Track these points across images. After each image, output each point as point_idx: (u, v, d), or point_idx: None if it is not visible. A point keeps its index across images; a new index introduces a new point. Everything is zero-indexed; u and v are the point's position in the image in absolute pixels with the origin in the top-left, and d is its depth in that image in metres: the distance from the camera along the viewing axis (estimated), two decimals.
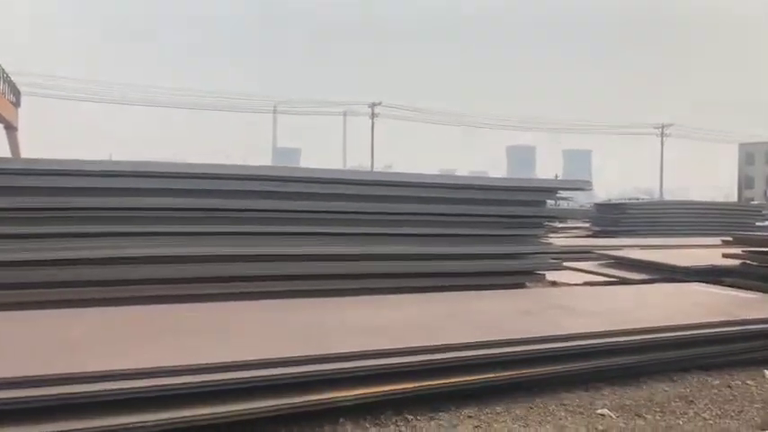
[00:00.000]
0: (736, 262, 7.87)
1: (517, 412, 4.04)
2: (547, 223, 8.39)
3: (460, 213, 7.75)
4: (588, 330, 4.75)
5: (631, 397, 4.40)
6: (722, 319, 5.24)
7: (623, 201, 29.59)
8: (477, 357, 4.20)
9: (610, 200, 52.56)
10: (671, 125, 56.88)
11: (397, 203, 7.33)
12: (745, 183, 78.41)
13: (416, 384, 3.97)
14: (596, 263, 10.70)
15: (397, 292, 7.01)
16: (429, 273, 7.56)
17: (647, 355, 4.86)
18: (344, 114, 59.59)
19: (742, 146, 79.69)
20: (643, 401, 4.31)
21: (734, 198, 72.82)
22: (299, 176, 6.90)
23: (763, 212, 37.30)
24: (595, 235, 22.21)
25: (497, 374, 4.21)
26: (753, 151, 78.80)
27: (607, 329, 4.78)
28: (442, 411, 3.97)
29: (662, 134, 56.34)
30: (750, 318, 5.37)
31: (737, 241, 8.01)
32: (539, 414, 4.02)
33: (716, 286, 7.31)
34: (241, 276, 6.73)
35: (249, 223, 6.84)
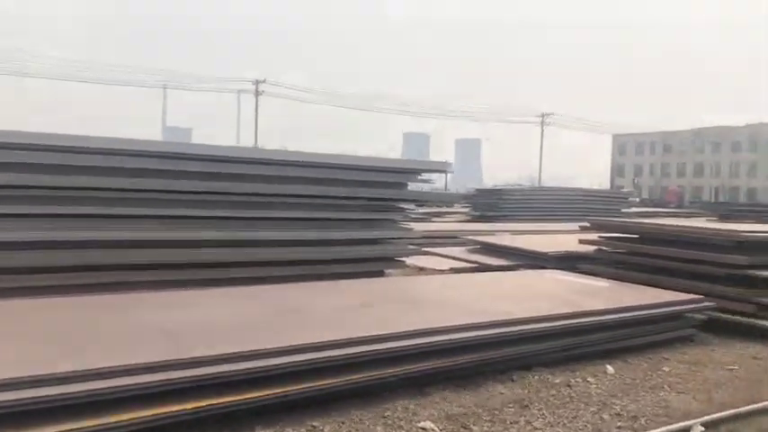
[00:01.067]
0: (592, 248, 7.76)
1: (325, 430, 3.41)
2: (404, 206, 7.87)
3: (313, 195, 7.04)
4: (422, 327, 4.20)
5: (463, 403, 3.91)
6: (563, 312, 4.90)
7: (501, 186, 30.25)
8: (281, 366, 3.51)
9: (496, 185, 54.34)
10: (551, 114, 59.63)
11: (233, 182, 6.48)
12: (617, 171, 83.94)
13: (200, 404, 3.23)
14: (465, 248, 10.44)
15: (237, 284, 6.23)
16: (276, 261, 6.80)
17: (486, 354, 4.42)
18: (239, 92, 56.53)
19: (615, 137, 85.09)
20: (474, 408, 3.83)
21: (608, 185, 77.76)
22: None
23: (630, 199, 39.98)
24: (474, 220, 22.50)
25: (305, 386, 3.55)
26: (625, 142, 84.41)
27: (441, 326, 4.26)
28: None
29: (542, 123, 58.95)
30: (592, 309, 5.09)
31: (594, 227, 7.91)
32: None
33: (571, 273, 7.13)
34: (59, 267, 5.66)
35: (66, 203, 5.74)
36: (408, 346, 4.05)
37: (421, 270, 9.83)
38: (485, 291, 5.99)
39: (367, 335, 3.93)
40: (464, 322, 4.41)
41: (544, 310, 4.98)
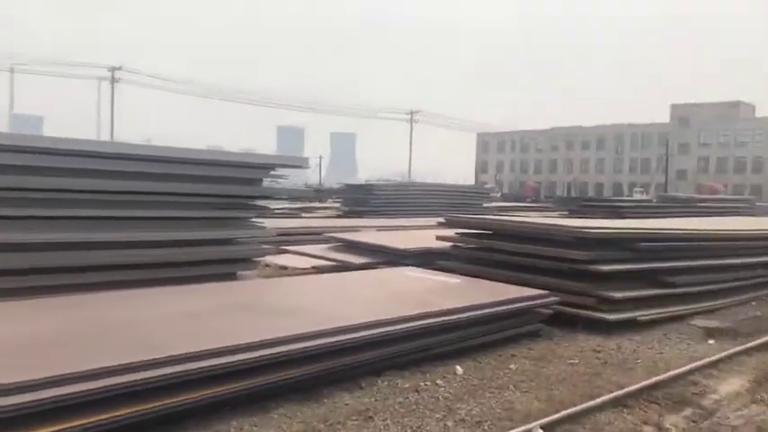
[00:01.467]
0: (448, 244, 7.81)
1: None
2: (261, 203, 7.45)
3: (154, 192, 6.42)
4: (263, 338, 3.86)
5: (305, 418, 3.63)
6: (414, 313, 4.77)
7: (372, 182, 30.39)
8: (86, 393, 3.02)
9: (368, 180, 54.87)
10: (419, 112, 61.29)
11: (59, 177, 5.73)
12: (481, 168, 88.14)
13: None
14: (328, 246, 10.19)
15: (66, 292, 5.50)
16: (112, 265, 6.11)
17: (332, 362, 4.16)
18: (99, 80, 51.39)
19: (479, 135, 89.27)
20: (316, 423, 3.56)
21: (472, 181, 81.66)
22: None
23: (491, 194, 41.68)
24: (344, 215, 22.39)
25: (117, 414, 3.09)
26: (488, 140, 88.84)
27: (283, 336, 3.94)
28: None
29: (411, 120, 60.44)
30: (444, 308, 5.02)
31: (449, 223, 7.97)
32: None
33: (428, 271, 7.10)
34: None
35: None
36: (246, 359, 3.70)
37: (282, 270, 9.49)
38: (339, 293, 5.76)
39: (191, 351, 3.52)
40: (308, 330, 4.13)
41: (395, 313, 4.82)
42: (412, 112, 61.09)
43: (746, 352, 5.50)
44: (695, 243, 7.46)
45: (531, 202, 47.14)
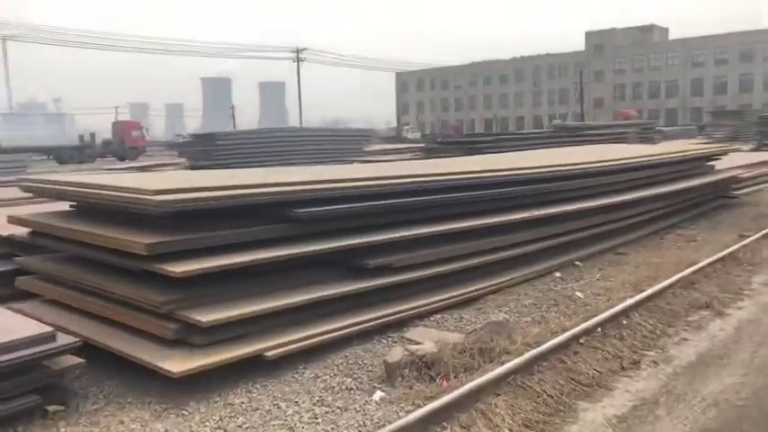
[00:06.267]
0: (25, 230, 4.57)
1: None
2: None
3: None
4: None
5: None
6: None
7: (220, 132, 25.86)
8: None
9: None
10: (305, 49, 54.30)
11: None
12: (402, 109, 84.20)
13: None
14: None
15: None
16: None
17: None
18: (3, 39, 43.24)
19: (398, 75, 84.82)
20: None
21: (394, 123, 78.20)
22: None
23: (410, 136, 36.79)
24: (191, 169, 18.95)
25: None
26: (407, 80, 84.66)
27: None
28: None
29: (297, 59, 54.09)
30: None
31: (30, 190, 4.71)
32: None
33: None
34: None
35: None
36: None
37: None
38: None
39: None
40: None
41: None
42: (298, 50, 53.23)
43: None
44: (420, 198, 4.50)
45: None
